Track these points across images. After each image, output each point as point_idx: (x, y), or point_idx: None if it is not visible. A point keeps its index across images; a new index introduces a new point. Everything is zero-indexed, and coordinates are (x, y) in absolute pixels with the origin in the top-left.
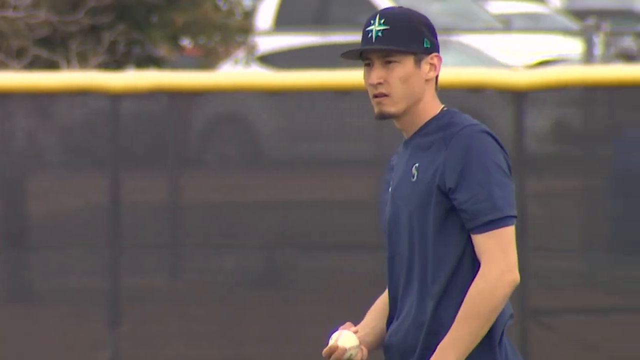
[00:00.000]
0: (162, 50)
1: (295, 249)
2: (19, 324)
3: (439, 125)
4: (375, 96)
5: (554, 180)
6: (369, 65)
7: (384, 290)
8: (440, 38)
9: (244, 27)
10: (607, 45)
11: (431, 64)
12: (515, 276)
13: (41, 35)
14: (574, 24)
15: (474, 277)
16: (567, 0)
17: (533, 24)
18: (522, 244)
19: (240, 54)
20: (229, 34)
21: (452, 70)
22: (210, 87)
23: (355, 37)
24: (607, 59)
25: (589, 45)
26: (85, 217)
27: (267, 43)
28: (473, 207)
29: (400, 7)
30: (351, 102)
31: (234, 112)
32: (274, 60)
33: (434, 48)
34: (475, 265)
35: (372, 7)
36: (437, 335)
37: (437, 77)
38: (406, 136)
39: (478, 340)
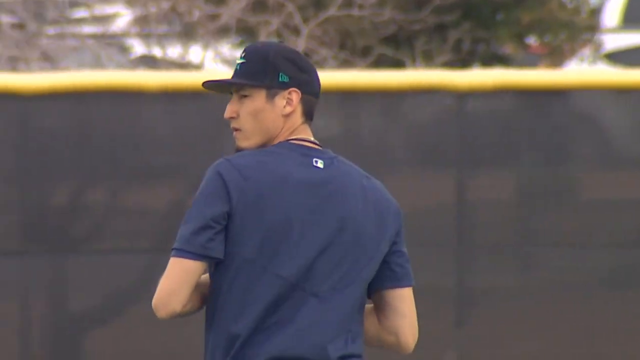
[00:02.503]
0: (508, 49)
1: None
2: None
3: None
4: (233, 130)
5: None
6: None
7: None
8: None
9: (590, 25)
10: None
11: (288, 99)
12: (156, 303)
13: (386, 34)
14: None
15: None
16: None
17: None
18: None
19: (586, 52)
20: (575, 31)
21: None
22: (558, 85)
23: None
24: None
25: None
26: (432, 216)
27: (614, 41)
28: None
29: (267, 41)
30: None
31: (582, 110)
32: (621, 58)
33: (294, 83)
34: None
35: None
36: None
37: (305, 112)
38: None
39: None
